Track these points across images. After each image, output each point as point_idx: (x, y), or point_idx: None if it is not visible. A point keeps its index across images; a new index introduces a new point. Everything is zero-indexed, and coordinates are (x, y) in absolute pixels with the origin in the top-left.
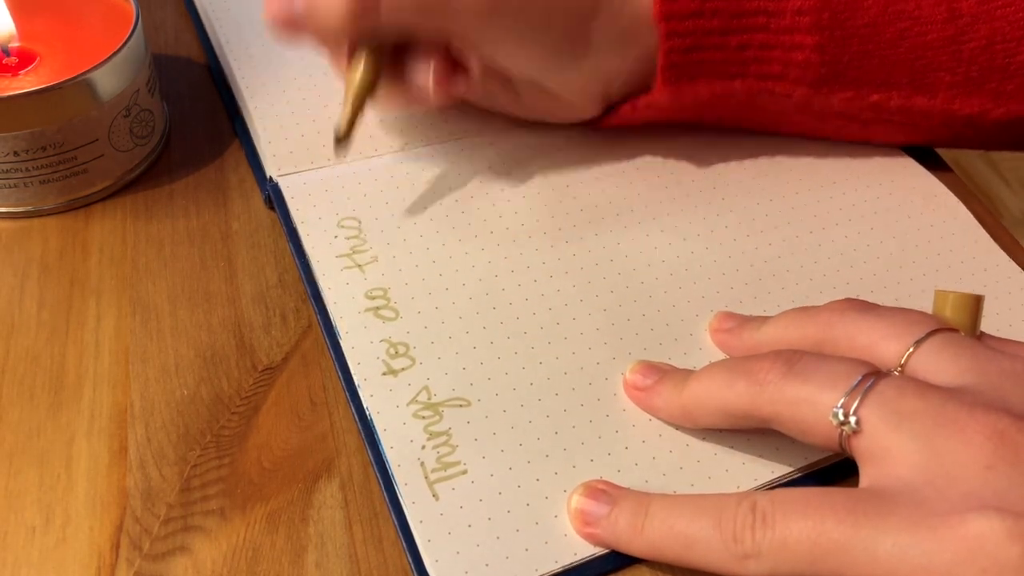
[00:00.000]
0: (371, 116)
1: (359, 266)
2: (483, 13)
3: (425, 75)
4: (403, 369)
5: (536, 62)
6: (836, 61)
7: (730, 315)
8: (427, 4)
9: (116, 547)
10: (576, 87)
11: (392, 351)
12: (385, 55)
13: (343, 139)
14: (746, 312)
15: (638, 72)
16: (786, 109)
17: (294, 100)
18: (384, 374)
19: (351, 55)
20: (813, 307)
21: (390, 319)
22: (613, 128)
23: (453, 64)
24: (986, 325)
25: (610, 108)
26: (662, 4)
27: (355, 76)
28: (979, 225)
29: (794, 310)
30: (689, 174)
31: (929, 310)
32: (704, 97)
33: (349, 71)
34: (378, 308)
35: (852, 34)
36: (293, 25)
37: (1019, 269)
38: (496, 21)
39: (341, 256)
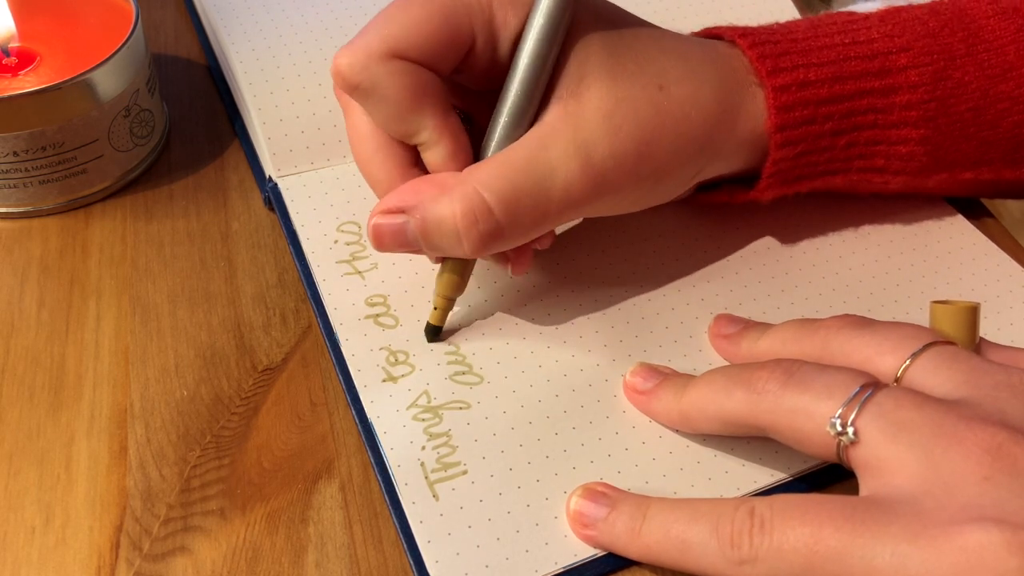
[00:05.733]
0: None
1: (359, 272)
2: (593, 208)
3: (519, 259)
4: (403, 376)
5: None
6: (938, 149)
7: (729, 319)
8: (546, 217)
9: (116, 547)
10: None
11: (392, 359)
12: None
13: (438, 334)
14: (745, 315)
15: (741, 169)
16: (880, 194)
17: (294, 100)
18: (384, 381)
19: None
20: (811, 321)
21: (390, 327)
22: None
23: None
24: (987, 325)
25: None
26: (777, 116)
27: (448, 277)
28: (974, 228)
29: (792, 323)
30: None
31: (927, 311)
32: (803, 192)
33: (440, 271)
34: (378, 315)
35: (956, 120)
36: (403, 249)
37: (1020, 268)
38: (605, 207)
39: (341, 262)
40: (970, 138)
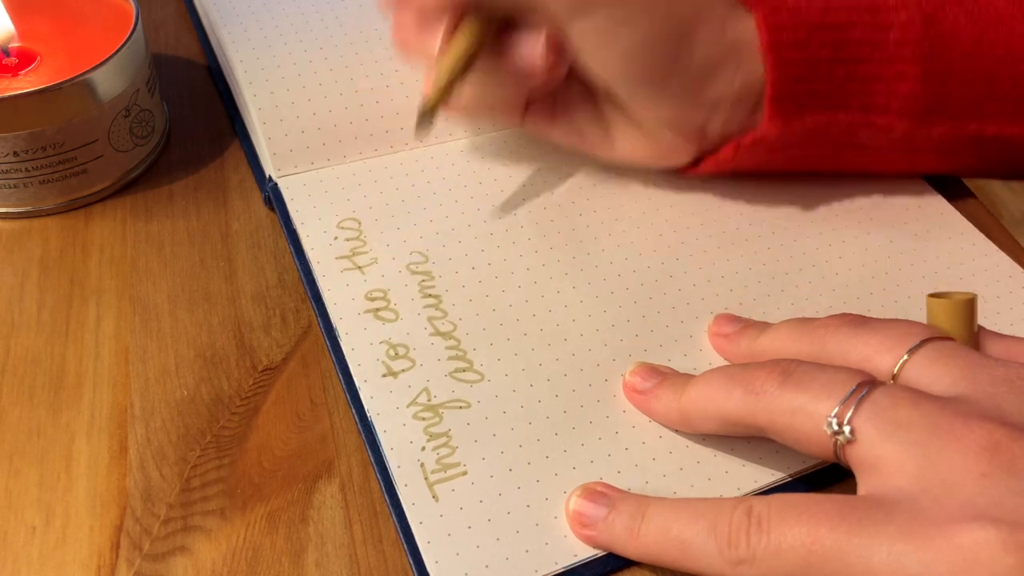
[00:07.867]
0: (369, 117)
1: (359, 268)
2: (575, 30)
3: (531, 47)
4: (403, 371)
5: (630, 69)
6: (938, 92)
7: (729, 319)
8: None
9: (116, 547)
10: (673, 115)
11: (392, 352)
12: (491, 30)
13: (429, 114)
14: (745, 315)
15: (739, 107)
16: (884, 146)
17: (294, 100)
18: (384, 376)
19: (454, 27)
20: (809, 320)
21: (390, 320)
22: (702, 176)
23: (557, 47)
24: (986, 325)
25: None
26: (769, 34)
27: (456, 44)
28: (973, 228)
29: (790, 322)
30: (694, 183)
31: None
32: (809, 130)
33: (450, 41)
34: (378, 310)
35: (950, 63)
36: None
37: (1019, 268)
38: (588, 7)
39: (341, 258)
40: (968, 84)
